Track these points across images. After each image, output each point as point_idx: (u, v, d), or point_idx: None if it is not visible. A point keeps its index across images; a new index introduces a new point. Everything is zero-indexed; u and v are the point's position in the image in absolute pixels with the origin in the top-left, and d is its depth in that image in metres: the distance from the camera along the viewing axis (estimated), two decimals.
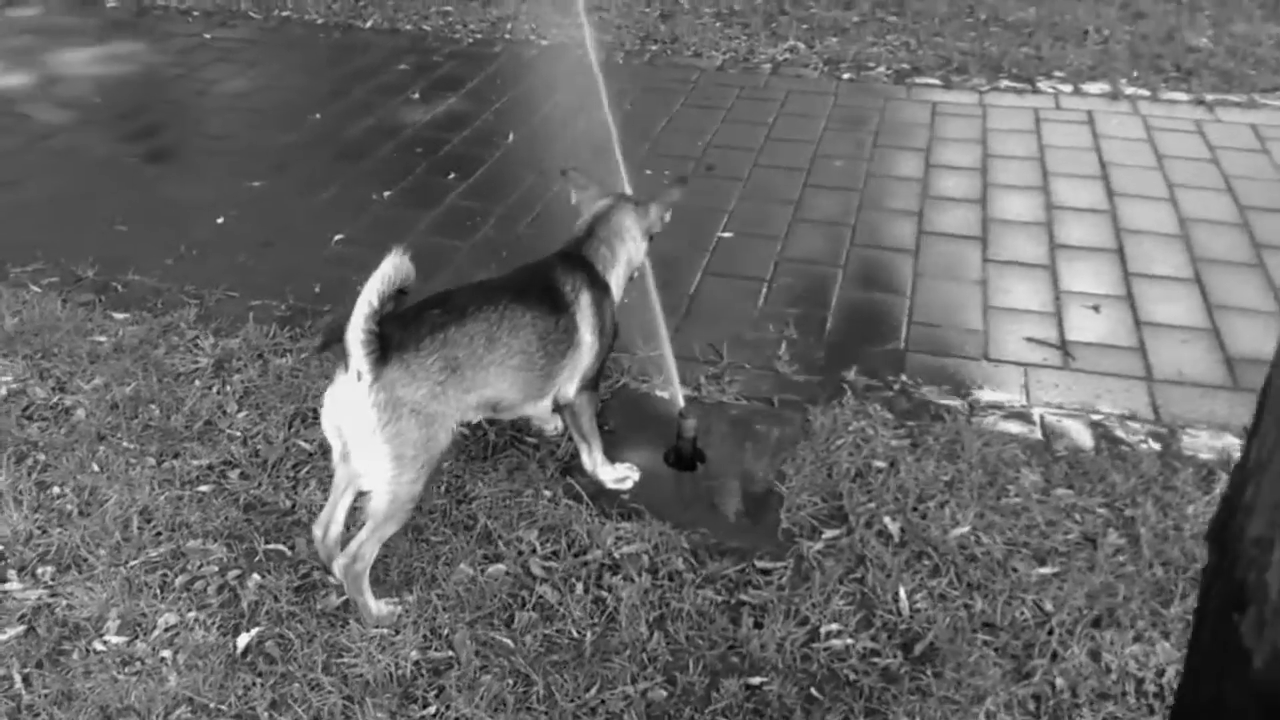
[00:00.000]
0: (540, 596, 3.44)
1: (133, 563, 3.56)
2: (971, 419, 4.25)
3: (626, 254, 3.77)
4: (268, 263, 5.49)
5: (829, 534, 3.72)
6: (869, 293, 5.21)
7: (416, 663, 3.23)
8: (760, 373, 4.59)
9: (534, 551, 3.61)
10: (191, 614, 3.38)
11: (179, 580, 3.50)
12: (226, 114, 7.47)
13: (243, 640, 3.30)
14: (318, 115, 7.31)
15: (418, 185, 6.32)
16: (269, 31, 9.08)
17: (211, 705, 3.09)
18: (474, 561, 3.57)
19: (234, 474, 3.95)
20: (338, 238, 5.71)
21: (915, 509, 3.76)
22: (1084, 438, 4.18)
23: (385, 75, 8.04)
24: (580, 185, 3.91)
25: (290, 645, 3.27)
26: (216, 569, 3.55)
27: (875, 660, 3.26)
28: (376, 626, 3.31)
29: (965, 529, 3.69)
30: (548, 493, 3.86)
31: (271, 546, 3.64)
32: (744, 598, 3.48)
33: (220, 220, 5.94)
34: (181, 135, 7.21)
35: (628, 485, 3.93)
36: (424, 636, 3.29)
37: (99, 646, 3.28)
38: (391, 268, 2.97)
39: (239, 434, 4.15)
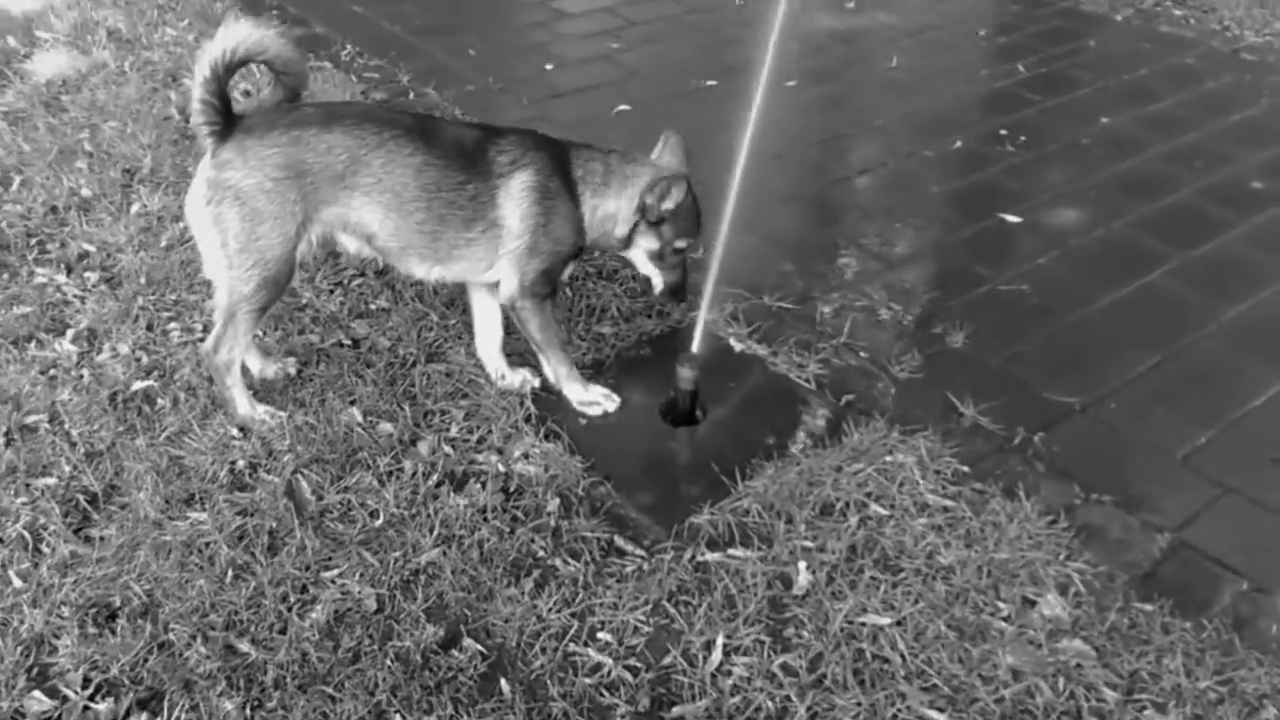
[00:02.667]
0: (389, 470, 3.18)
1: None
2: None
3: (616, 203, 3.30)
4: None
5: (736, 552, 2.96)
6: None
7: (235, 467, 3.17)
8: (849, 354, 3.74)
9: (444, 430, 3.35)
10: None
11: None
12: None
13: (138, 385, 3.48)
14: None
15: None
16: None
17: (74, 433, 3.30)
18: (375, 413, 3.38)
19: None
20: None
21: (857, 577, 2.88)
22: None
23: None
24: (669, 150, 3.43)
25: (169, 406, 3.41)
26: None
27: (618, 694, 2.56)
28: (240, 425, 3.30)
29: (885, 621, 2.73)
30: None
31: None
32: (555, 563, 2.91)
33: None
34: None
35: (595, 411, 3.46)
36: (261, 451, 3.23)
37: None
38: (232, 37, 2.90)
39: None
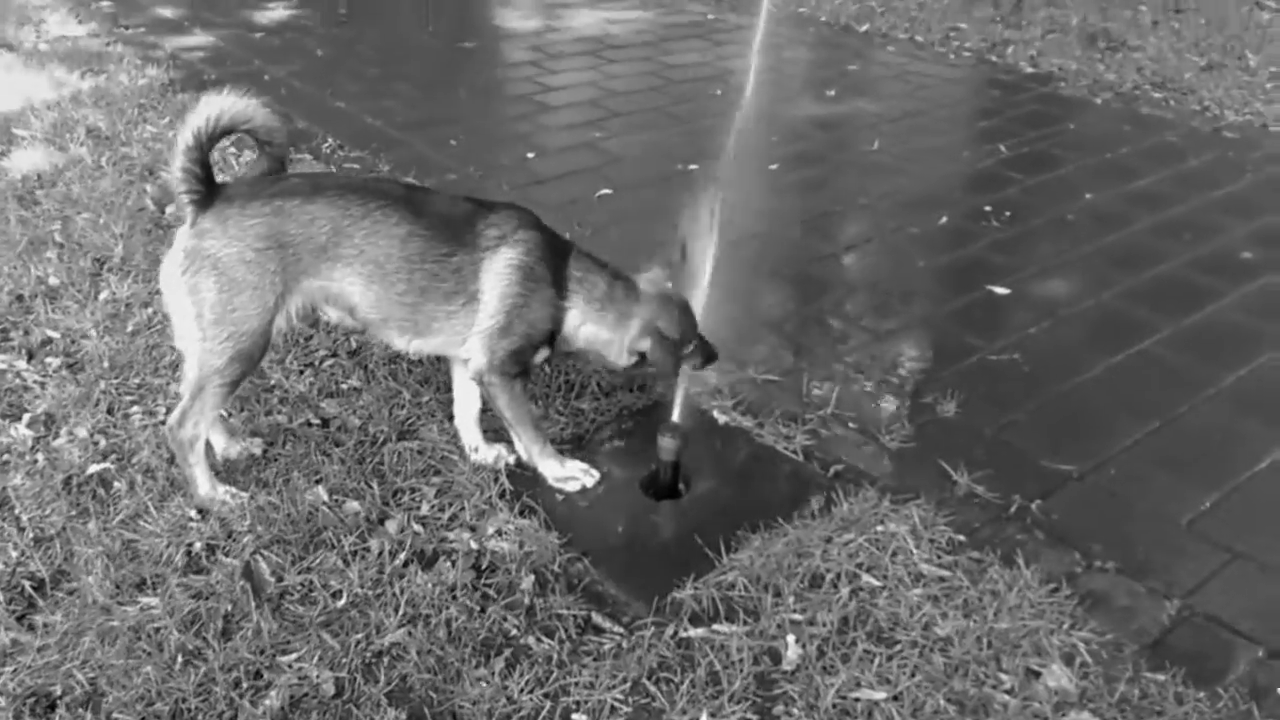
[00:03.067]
0: (354, 550, 3.03)
1: None
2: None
3: (615, 338, 3.25)
4: None
5: (720, 627, 2.81)
6: None
7: (191, 550, 3.03)
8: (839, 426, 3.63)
9: (415, 508, 3.22)
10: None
11: None
12: None
13: (93, 468, 3.35)
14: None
15: None
16: None
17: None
18: (342, 492, 3.25)
19: None
20: None
21: (850, 650, 2.73)
22: None
23: None
24: (653, 280, 3.37)
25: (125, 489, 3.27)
26: None
27: None
28: (199, 507, 3.17)
29: (880, 696, 2.57)
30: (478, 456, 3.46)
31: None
32: (528, 642, 2.76)
33: None
34: None
35: (573, 487, 3.34)
36: (219, 533, 3.09)
37: None
38: (215, 105, 2.87)
39: None
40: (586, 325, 3.23)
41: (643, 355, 3.23)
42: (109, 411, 3.62)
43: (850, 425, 3.68)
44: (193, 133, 2.87)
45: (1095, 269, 4.81)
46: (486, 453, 3.42)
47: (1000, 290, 4.62)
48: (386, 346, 3.29)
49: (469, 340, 3.17)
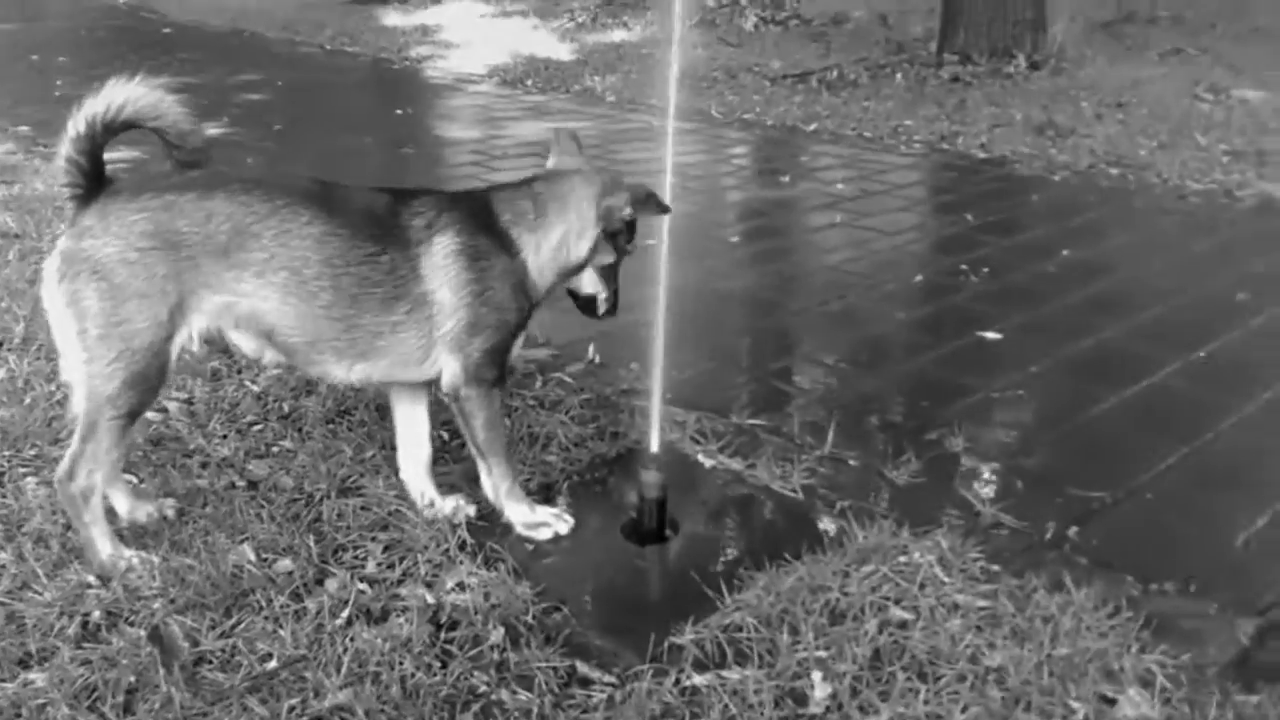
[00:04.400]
0: (287, 610, 2.57)
1: None
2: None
3: (565, 226, 2.86)
4: None
5: (730, 673, 2.38)
6: None
7: (88, 620, 2.55)
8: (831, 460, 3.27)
9: (359, 566, 2.78)
10: None
11: None
12: None
13: None
14: None
15: None
16: None
17: None
18: (272, 550, 2.81)
19: None
20: None
21: (887, 686, 2.32)
22: None
23: None
24: (563, 149, 3.09)
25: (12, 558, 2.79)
26: None
27: None
28: (101, 574, 2.69)
29: None
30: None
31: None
32: (501, 696, 2.31)
33: None
34: None
35: (544, 535, 2.93)
36: (124, 598, 2.62)
37: None
38: (119, 92, 2.55)
39: None
40: (541, 249, 2.84)
41: (609, 228, 2.87)
42: None
43: (852, 462, 3.33)
44: (86, 119, 2.52)
45: (1088, 312, 4.58)
46: (443, 505, 3.01)
47: (991, 335, 4.36)
48: (324, 383, 2.85)
49: (433, 351, 2.78)
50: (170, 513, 2.96)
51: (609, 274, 2.97)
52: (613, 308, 3.05)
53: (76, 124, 2.53)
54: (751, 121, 9.22)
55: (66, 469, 2.67)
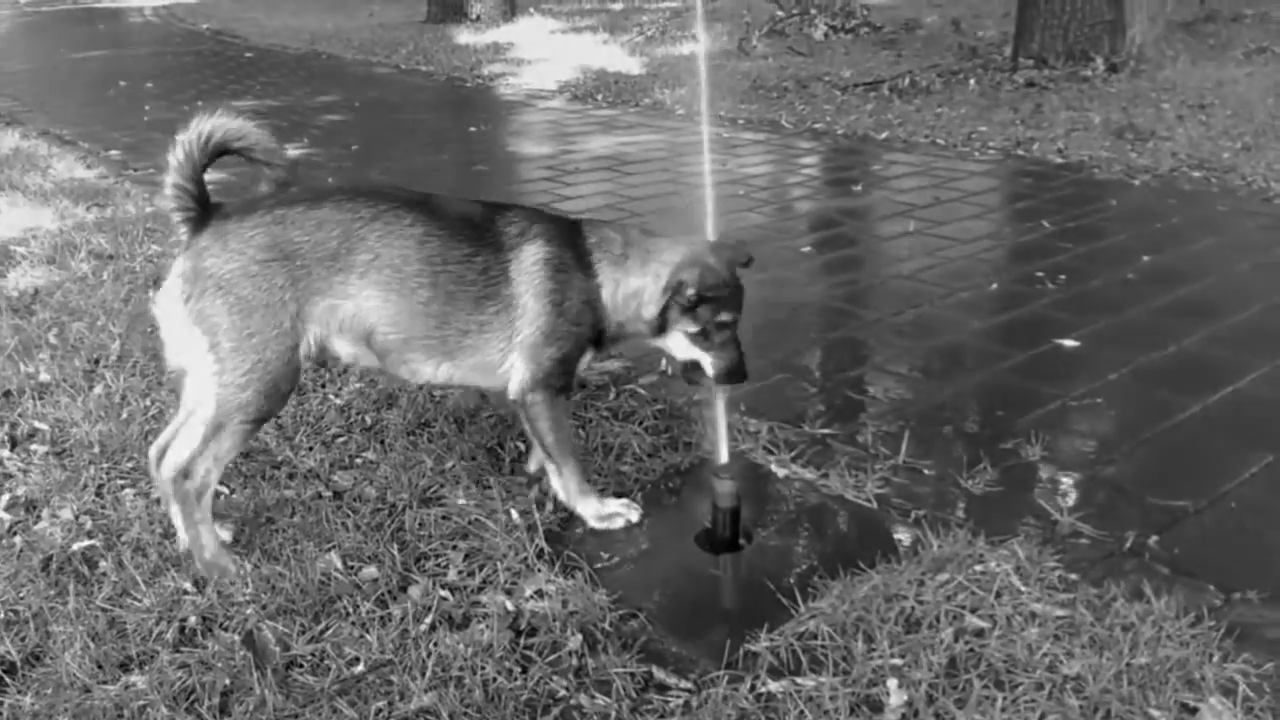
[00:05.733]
0: (373, 616, 2.67)
1: None
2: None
3: (641, 281, 2.97)
4: None
5: (805, 680, 2.42)
6: None
7: (185, 625, 2.67)
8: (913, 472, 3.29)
9: (441, 574, 2.87)
10: None
11: None
12: None
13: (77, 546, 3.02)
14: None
15: None
16: None
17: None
18: (358, 558, 2.91)
19: None
20: None
21: (964, 695, 2.35)
22: None
23: None
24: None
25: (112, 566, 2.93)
26: None
27: None
28: (206, 574, 2.82)
29: None
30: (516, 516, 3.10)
31: None
32: (580, 700, 2.37)
33: None
34: None
35: (618, 524, 3.05)
36: (218, 604, 2.74)
37: None
38: (206, 122, 2.70)
39: None
40: (619, 286, 2.96)
41: (677, 301, 2.90)
42: (98, 494, 3.31)
43: (927, 472, 3.33)
44: (183, 147, 2.69)
45: (1168, 320, 4.52)
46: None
47: (1069, 343, 4.32)
48: (412, 378, 2.98)
49: (510, 356, 2.90)
50: (226, 536, 3.03)
51: (711, 343, 2.98)
52: (729, 379, 3.02)
53: (175, 153, 2.69)
54: (822, 131, 9.22)
55: (184, 466, 2.80)
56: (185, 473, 2.80)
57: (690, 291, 2.88)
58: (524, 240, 2.89)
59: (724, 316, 2.94)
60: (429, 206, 2.90)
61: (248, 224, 2.73)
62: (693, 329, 2.95)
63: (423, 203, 2.90)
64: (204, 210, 2.75)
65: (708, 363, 3.00)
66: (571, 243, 2.95)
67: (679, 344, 3.02)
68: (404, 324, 2.84)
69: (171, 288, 2.75)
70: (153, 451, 3.03)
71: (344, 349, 2.89)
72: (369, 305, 2.81)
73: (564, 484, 3.04)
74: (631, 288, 2.96)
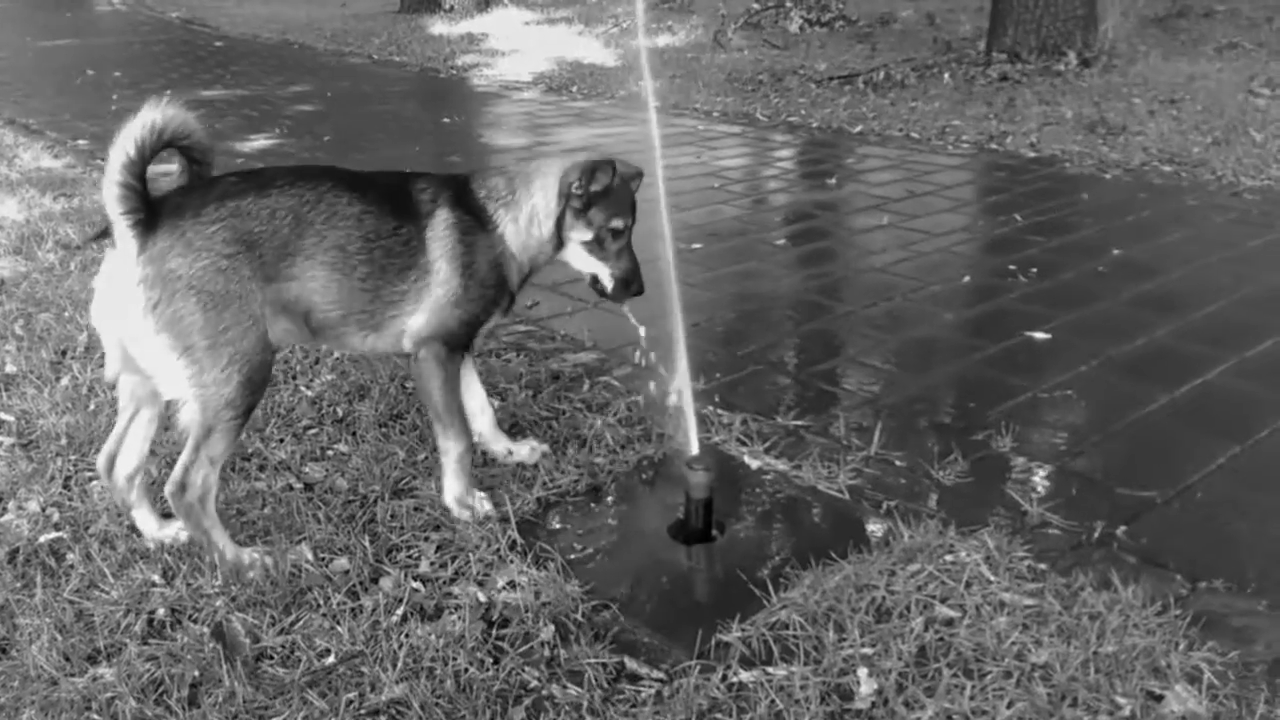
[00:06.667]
0: (344, 608, 2.66)
1: None
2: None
3: (531, 202, 3.06)
4: None
5: (776, 669, 2.43)
6: None
7: (154, 617, 2.66)
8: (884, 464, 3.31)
9: (413, 565, 2.87)
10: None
11: None
12: None
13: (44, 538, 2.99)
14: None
15: None
16: None
17: None
18: (329, 549, 2.91)
19: None
20: None
21: (933, 683, 2.36)
22: None
23: None
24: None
25: (79, 559, 2.91)
26: None
27: None
28: (233, 578, 2.77)
29: None
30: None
31: None
32: (552, 690, 2.38)
33: None
34: None
35: (464, 516, 3.05)
36: (187, 595, 2.73)
37: None
38: (159, 114, 2.59)
39: None
40: (518, 223, 3.07)
41: (572, 206, 3.04)
42: (65, 486, 3.28)
43: (898, 463, 3.36)
44: (135, 143, 2.56)
45: (1137, 313, 4.57)
46: (520, 450, 3.34)
47: (1040, 335, 4.36)
48: (340, 350, 2.99)
49: (415, 313, 2.97)
50: (184, 537, 2.98)
51: (606, 252, 3.10)
52: (627, 289, 3.14)
53: (125, 150, 2.56)
54: (797, 124, 9.26)
55: (178, 482, 2.74)
56: (181, 486, 2.75)
57: (577, 188, 3.00)
58: (436, 207, 2.97)
59: (616, 223, 3.06)
60: (359, 181, 2.94)
61: (205, 219, 2.68)
62: (587, 236, 3.07)
63: (353, 179, 2.94)
64: (150, 210, 2.64)
65: (605, 274, 3.12)
66: (466, 203, 3.02)
67: (577, 255, 3.13)
68: (344, 300, 2.88)
69: (129, 300, 2.64)
70: (101, 461, 2.99)
71: (278, 329, 2.86)
72: (313, 285, 2.83)
73: (443, 450, 3.07)
74: (527, 214, 3.06)
